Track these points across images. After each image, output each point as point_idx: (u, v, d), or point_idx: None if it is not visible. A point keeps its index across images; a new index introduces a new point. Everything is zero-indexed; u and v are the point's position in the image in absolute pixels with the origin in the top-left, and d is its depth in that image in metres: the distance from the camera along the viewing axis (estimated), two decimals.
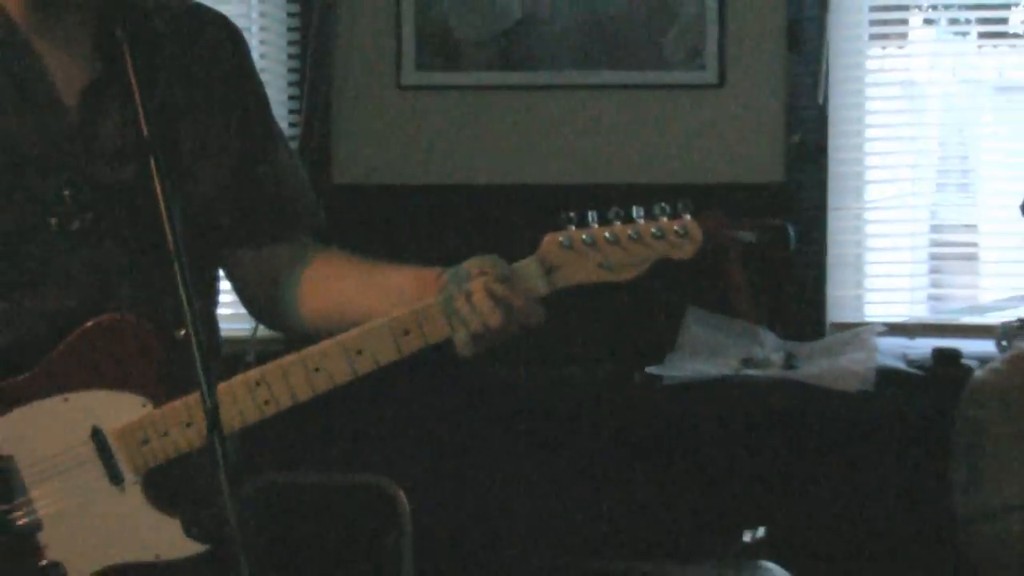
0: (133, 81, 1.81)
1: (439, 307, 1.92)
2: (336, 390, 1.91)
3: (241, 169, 2.10)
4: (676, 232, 1.96)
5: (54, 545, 2.01)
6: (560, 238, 1.94)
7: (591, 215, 1.90)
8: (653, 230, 1.95)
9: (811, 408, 3.53)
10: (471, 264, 1.93)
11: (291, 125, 3.84)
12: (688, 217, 1.92)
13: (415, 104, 3.91)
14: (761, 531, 3.15)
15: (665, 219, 1.93)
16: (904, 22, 3.95)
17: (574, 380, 3.74)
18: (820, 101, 3.81)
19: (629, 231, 1.95)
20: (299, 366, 1.98)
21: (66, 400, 2.04)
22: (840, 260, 3.92)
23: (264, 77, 3.59)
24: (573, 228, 1.90)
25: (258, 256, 2.16)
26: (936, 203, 4.00)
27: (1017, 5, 3.96)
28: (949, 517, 3.07)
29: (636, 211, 1.89)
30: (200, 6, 2.17)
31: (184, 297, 1.72)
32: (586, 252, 1.96)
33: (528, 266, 1.95)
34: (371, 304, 2.05)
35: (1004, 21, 3.92)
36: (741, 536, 3.16)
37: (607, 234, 1.94)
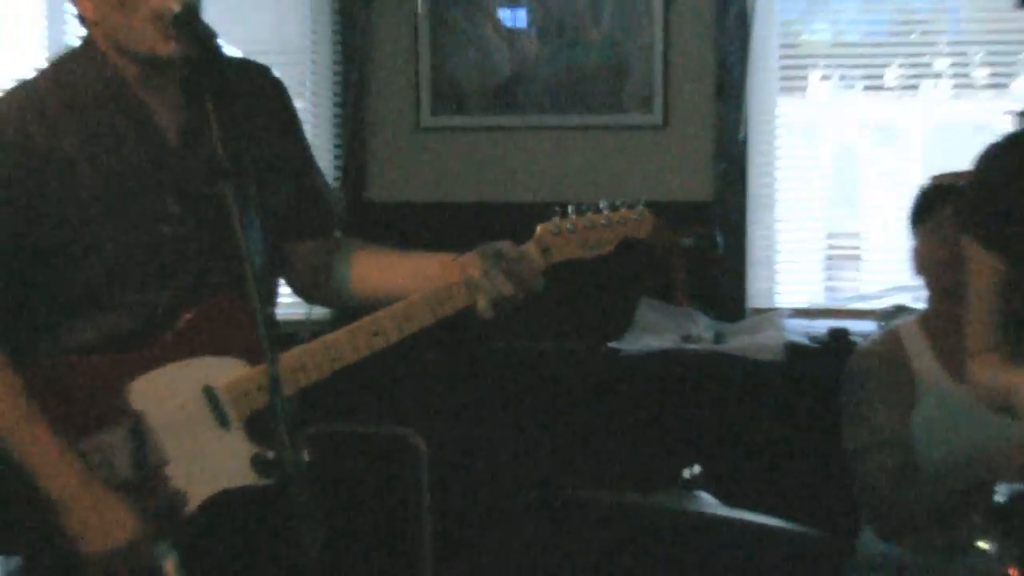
0: (213, 123, 2.23)
1: (464, 283, 2.45)
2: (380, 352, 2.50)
3: (298, 180, 2.62)
4: (634, 218, 2.51)
5: (177, 477, 2.45)
6: (550, 227, 2.47)
7: (571, 208, 2.48)
8: (618, 217, 2.50)
9: (735, 374, 4.11)
10: (492, 245, 2.47)
11: (336, 157, 4.46)
12: (642, 206, 2.50)
13: (431, 142, 4.50)
14: (697, 468, 3.26)
15: (625, 209, 2.50)
16: (805, 77, 4.50)
17: (554, 351, 4.26)
18: (741, 137, 4.36)
19: (600, 219, 2.50)
20: (363, 331, 2.47)
21: (183, 366, 2.48)
22: (757, 260, 4.46)
23: (315, 119, 4.10)
24: (558, 219, 2.49)
25: (306, 247, 2.66)
26: (830, 216, 4.57)
27: (890, 65, 4.46)
28: (843, 456, 3.62)
29: (603, 205, 2.50)
30: (250, 61, 2.67)
31: (251, 283, 2.14)
32: (569, 236, 2.50)
33: (529, 248, 2.48)
34: (405, 282, 2.56)
35: (881, 76, 4.50)
36: (681, 472, 3.26)
37: (584, 222, 2.49)
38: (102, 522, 2.45)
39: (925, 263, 3.59)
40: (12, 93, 2.54)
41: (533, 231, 2.53)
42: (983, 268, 2.99)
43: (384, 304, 2.56)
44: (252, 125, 2.53)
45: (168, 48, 2.36)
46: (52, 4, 4.45)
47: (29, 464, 2.43)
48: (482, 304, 2.47)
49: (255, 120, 2.57)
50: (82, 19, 2.51)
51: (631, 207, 2.55)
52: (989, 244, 2.91)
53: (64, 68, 2.54)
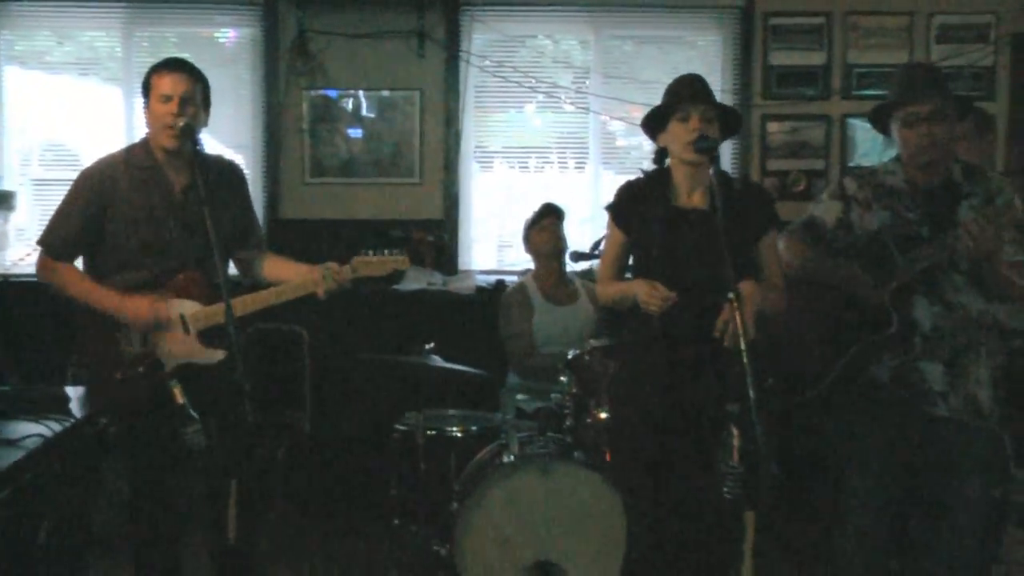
0: (200, 184, 3.45)
1: (318, 278, 3.73)
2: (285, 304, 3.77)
3: (243, 218, 3.94)
4: (400, 257, 3.80)
5: (163, 355, 3.71)
6: (359, 258, 3.77)
7: (371, 252, 3.74)
8: (391, 258, 3.79)
9: (453, 301, 5.89)
10: (328, 264, 3.69)
11: (265, 196, 6.25)
12: (402, 254, 3.82)
13: (309, 190, 6.43)
14: (431, 344, 4.69)
15: (396, 253, 3.82)
16: (491, 162, 6.52)
17: (366, 293, 5.41)
18: (455, 190, 6.39)
19: (382, 258, 3.78)
20: (262, 296, 3.75)
21: (171, 303, 3.72)
22: (463, 245, 6.46)
23: (254, 177, 5.86)
24: (363, 255, 3.76)
25: (244, 253, 3.97)
26: (500, 226, 6.54)
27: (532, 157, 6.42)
28: (499, 339, 5.25)
29: (386, 252, 3.78)
30: (222, 157, 3.96)
31: (220, 270, 3.38)
32: (366, 265, 3.79)
33: (347, 267, 3.73)
34: (287, 276, 3.84)
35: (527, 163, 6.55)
36: (424, 345, 4.70)
37: (375, 258, 3.76)
38: (137, 310, 3.61)
39: (537, 246, 5.42)
40: (103, 158, 3.79)
41: (354, 255, 3.83)
42: (614, 235, 3.85)
43: (275, 284, 3.86)
44: (225, 188, 3.85)
45: (174, 144, 3.66)
46: (128, 114, 6.38)
47: (102, 306, 3.63)
48: (320, 292, 3.76)
49: (223, 185, 3.84)
50: (147, 125, 3.75)
51: (400, 253, 3.84)
52: (616, 221, 3.83)
53: (130, 149, 3.82)
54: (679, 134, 3.64)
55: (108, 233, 3.76)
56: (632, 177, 3.92)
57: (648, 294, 3.49)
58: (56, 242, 3.76)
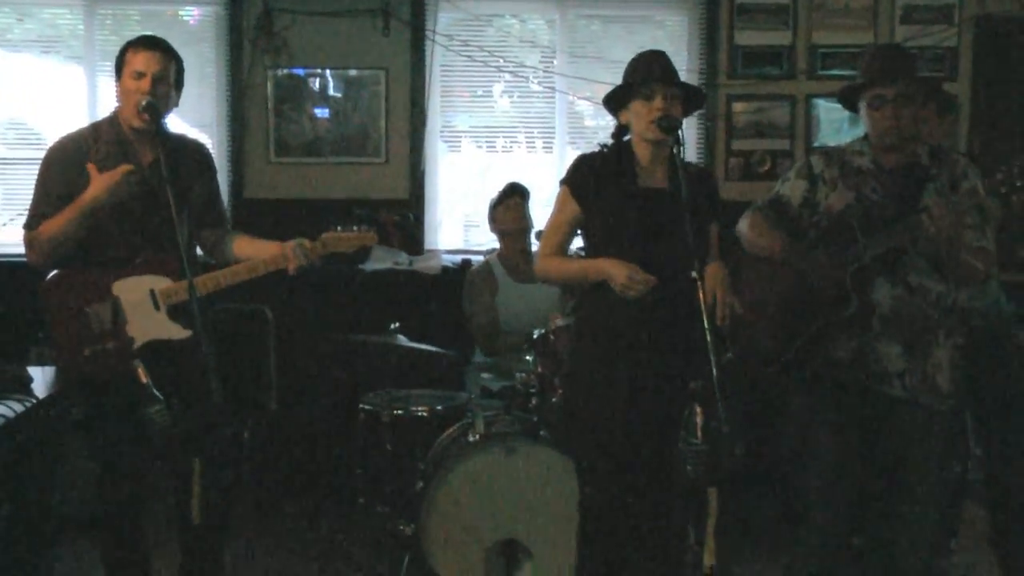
0: (163, 160, 3.50)
1: (289, 254, 3.76)
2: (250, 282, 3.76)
3: (209, 198, 3.98)
4: (368, 233, 3.86)
5: (131, 330, 3.72)
6: (329, 234, 3.84)
7: (340, 227, 3.81)
8: (359, 232, 3.86)
9: (418, 280, 5.87)
10: (299, 240, 3.74)
11: (231, 175, 6.26)
12: (371, 229, 3.89)
13: (275, 169, 6.44)
14: (397, 324, 4.76)
15: (363, 228, 3.87)
16: (459, 142, 6.54)
17: (335, 270, 5.55)
18: (422, 169, 6.39)
19: (351, 234, 3.87)
20: (231, 272, 3.77)
21: (141, 278, 3.75)
22: (429, 226, 6.51)
23: (219, 158, 5.57)
24: (333, 231, 3.85)
25: (210, 233, 3.98)
26: (465, 206, 6.58)
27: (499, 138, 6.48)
28: (463, 317, 5.32)
29: (355, 227, 3.86)
30: (186, 136, 4.04)
31: (182, 247, 3.40)
32: (336, 241, 3.86)
33: (317, 243, 3.80)
34: (255, 253, 3.86)
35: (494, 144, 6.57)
36: (390, 325, 4.77)
37: (344, 233, 3.82)
38: (104, 183, 3.64)
39: (501, 225, 5.48)
40: (69, 134, 3.84)
41: (330, 224, 3.89)
42: (567, 208, 3.81)
43: (243, 261, 3.89)
44: (190, 166, 3.92)
45: (137, 121, 3.70)
46: (91, 92, 6.34)
47: (84, 211, 3.65)
48: (290, 268, 3.82)
49: (190, 164, 3.91)
50: (117, 98, 3.80)
51: (368, 228, 3.93)
52: (576, 196, 3.79)
53: (97, 126, 3.85)
54: (642, 112, 3.64)
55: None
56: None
57: (629, 277, 3.49)
58: (41, 222, 3.79)
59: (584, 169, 3.77)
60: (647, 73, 3.65)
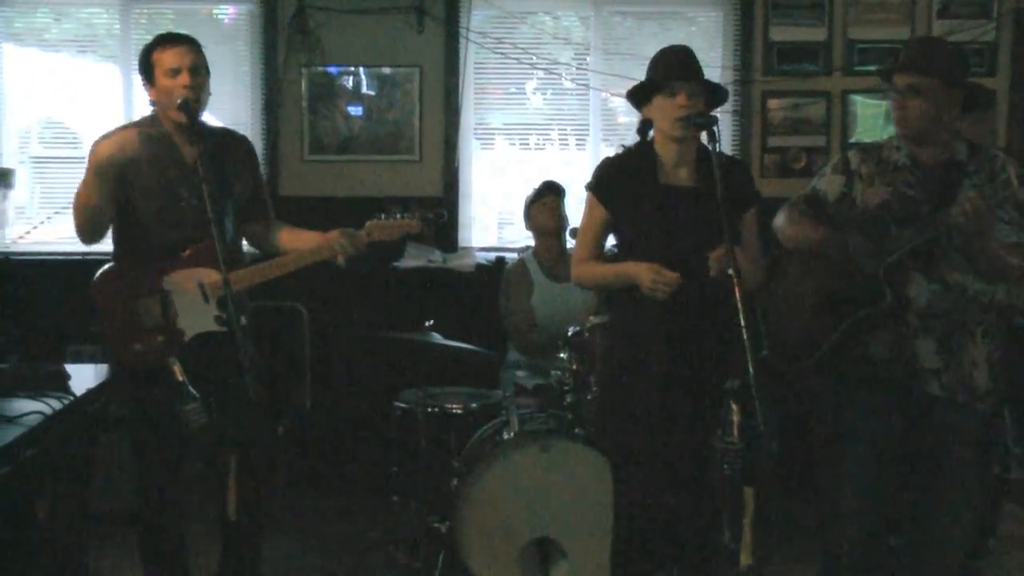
0: (201, 155, 3.54)
1: (335, 244, 3.73)
2: (286, 279, 3.74)
3: (254, 192, 3.99)
4: (412, 221, 3.80)
5: (182, 324, 3.73)
6: (373, 221, 3.81)
7: (384, 215, 3.79)
8: (404, 221, 3.82)
9: (453, 278, 5.89)
10: (345, 229, 3.73)
11: (267, 173, 6.03)
12: (415, 217, 3.84)
13: (308, 167, 6.43)
14: (431, 322, 4.80)
15: (407, 216, 3.82)
16: (492, 139, 6.49)
17: (367, 271, 4.88)
18: (455, 166, 6.32)
19: (396, 221, 3.81)
20: (279, 263, 3.78)
21: (190, 272, 3.76)
22: (463, 223, 6.47)
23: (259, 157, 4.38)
24: (377, 218, 3.81)
25: (255, 225, 4.02)
26: (500, 206, 6.55)
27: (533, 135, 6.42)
28: (500, 314, 5.35)
29: (398, 213, 3.81)
30: (230, 129, 4.09)
31: (218, 239, 3.37)
32: (381, 228, 3.82)
33: (362, 231, 3.77)
34: (301, 244, 3.86)
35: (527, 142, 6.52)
36: (426, 323, 4.77)
37: (388, 222, 3.80)
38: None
39: (537, 224, 5.47)
40: (114, 130, 3.84)
41: (364, 222, 3.81)
42: (595, 213, 3.80)
43: (290, 252, 3.90)
44: (234, 160, 3.93)
45: (180, 118, 3.69)
46: (127, 91, 6.37)
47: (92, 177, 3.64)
48: (339, 258, 3.77)
49: (233, 157, 3.93)
50: (152, 101, 3.82)
51: (412, 216, 3.86)
52: (601, 200, 3.78)
53: (140, 123, 3.85)
54: (666, 109, 3.64)
55: (128, 202, 3.79)
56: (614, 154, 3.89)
57: (653, 280, 3.48)
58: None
59: (607, 172, 3.77)
60: (668, 69, 3.64)
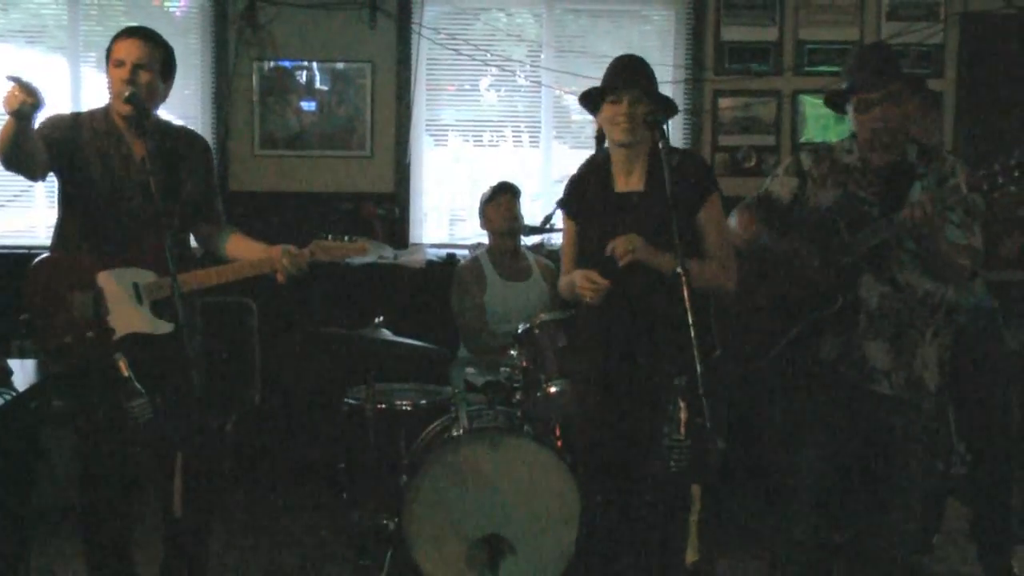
0: (148, 152, 3.50)
1: (277, 261, 3.67)
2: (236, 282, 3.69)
3: (205, 191, 3.90)
4: (355, 247, 3.75)
5: (112, 321, 3.69)
6: (318, 242, 3.73)
7: (330, 236, 3.69)
8: (348, 244, 3.75)
9: (405, 274, 5.65)
10: (287, 246, 3.66)
11: (218, 167, 5.05)
12: (361, 241, 3.77)
13: (261, 163, 6.41)
14: (381, 318, 4.58)
15: (350, 240, 3.74)
16: (445, 136, 6.52)
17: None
18: (407, 162, 6.31)
19: (340, 244, 3.74)
20: (220, 271, 3.73)
21: (126, 270, 3.69)
22: (414, 220, 6.48)
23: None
24: (322, 239, 3.71)
25: (205, 227, 3.94)
26: (450, 203, 6.59)
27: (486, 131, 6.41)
28: (452, 313, 5.37)
29: (345, 238, 3.72)
30: (184, 127, 4.02)
31: (161, 238, 3.36)
32: (324, 250, 3.73)
33: (305, 251, 3.71)
34: (247, 254, 3.80)
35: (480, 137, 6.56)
36: (375, 319, 4.60)
37: (332, 244, 3.72)
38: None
39: (492, 223, 5.43)
40: (67, 113, 3.83)
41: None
42: (568, 227, 3.89)
43: (234, 260, 3.86)
44: (184, 159, 3.86)
45: (125, 110, 3.67)
46: (75, 84, 6.32)
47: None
48: (279, 277, 3.75)
49: (185, 156, 3.87)
50: (109, 92, 3.77)
51: (354, 240, 3.82)
52: (569, 214, 3.89)
53: (91, 113, 3.82)
54: (608, 116, 3.66)
55: (70, 189, 3.76)
56: (582, 159, 3.94)
57: (581, 286, 3.53)
58: None
59: (570, 186, 3.85)
60: (614, 76, 3.66)
